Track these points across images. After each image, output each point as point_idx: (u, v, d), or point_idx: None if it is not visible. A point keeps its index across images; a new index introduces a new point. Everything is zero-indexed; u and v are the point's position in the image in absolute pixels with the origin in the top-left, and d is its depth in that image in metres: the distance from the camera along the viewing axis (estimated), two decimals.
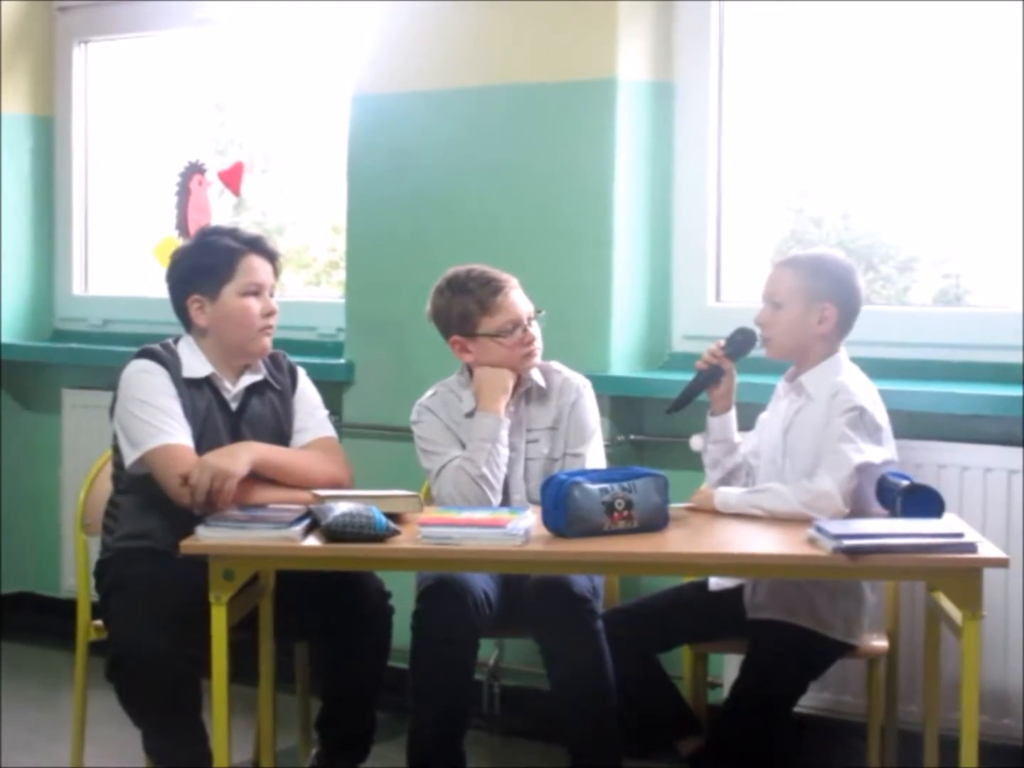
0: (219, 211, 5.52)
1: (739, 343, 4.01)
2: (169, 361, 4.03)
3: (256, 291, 4.06)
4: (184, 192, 5.17)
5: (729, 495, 3.88)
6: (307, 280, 6.21)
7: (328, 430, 4.21)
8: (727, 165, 4.82)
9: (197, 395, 4.03)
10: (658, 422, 4.65)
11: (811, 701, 4.32)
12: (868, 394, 3.90)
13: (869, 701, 4.02)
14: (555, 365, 4.21)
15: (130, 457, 3.97)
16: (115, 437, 4.08)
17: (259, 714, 4.10)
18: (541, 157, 4.83)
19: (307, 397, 4.21)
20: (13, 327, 6.11)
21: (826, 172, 4.91)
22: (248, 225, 5.93)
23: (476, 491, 3.98)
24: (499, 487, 4.03)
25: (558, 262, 4.74)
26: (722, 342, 4.01)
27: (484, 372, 4.08)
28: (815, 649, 3.87)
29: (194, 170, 5.21)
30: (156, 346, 4.08)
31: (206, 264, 4.06)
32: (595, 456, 4.12)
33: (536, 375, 4.15)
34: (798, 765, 4.14)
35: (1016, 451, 4.17)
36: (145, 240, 5.81)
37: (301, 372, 4.24)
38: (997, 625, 4.05)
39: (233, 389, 4.09)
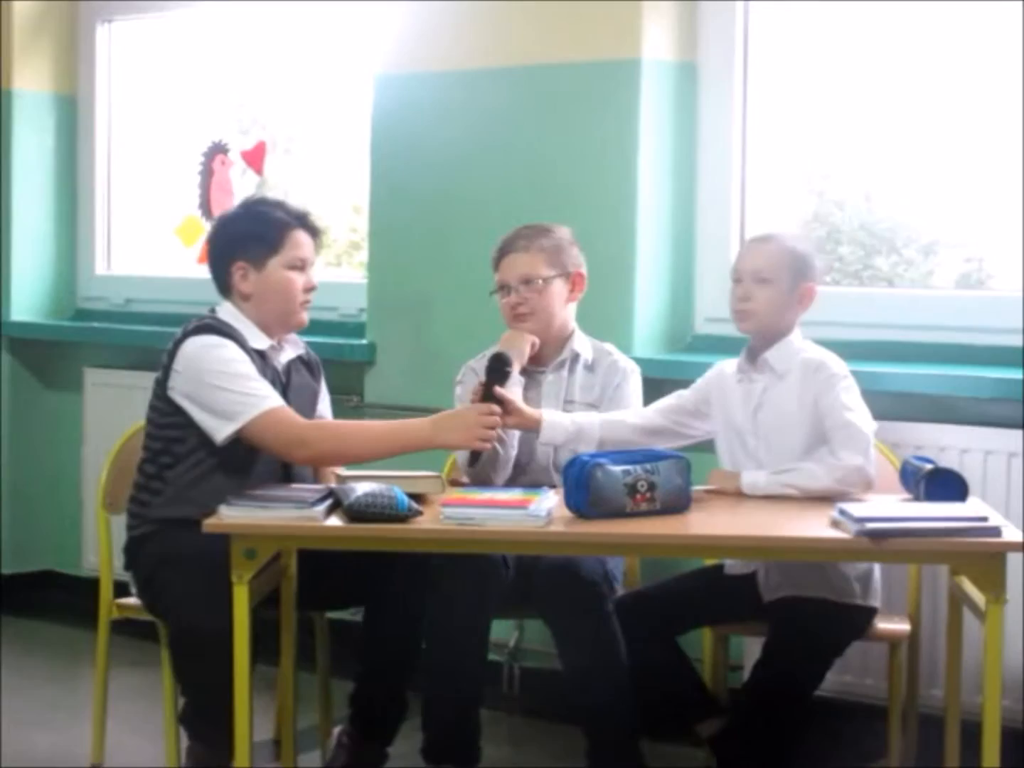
0: (241, 191, 5.52)
1: (495, 371, 3.97)
2: (231, 332, 4.01)
3: (301, 266, 4.10)
4: (207, 172, 5.19)
5: (757, 478, 3.87)
6: (327, 261, 6.21)
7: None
8: (751, 146, 4.80)
9: (263, 365, 4.04)
10: None
11: (832, 684, 4.30)
12: (841, 363, 3.94)
13: (890, 685, 4.01)
14: (608, 346, 4.25)
15: (223, 430, 3.92)
16: (163, 411, 4.05)
17: (280, 692, 4.10)
18: (564, 138, 4.83)
19: (325, 388, 4.29)
20: (35, 306, 6.13)
21: (849, 154, 4.90)
22: None
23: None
24: (512, 441, 4.06)
25: (581, 243, 4.71)
26: (479, 386, 3.97)
27: (506, 334, 4.16)
28: (839, 618, 3.86)
29: (217, 150, 5.23)
30: (208, 320, 4.05)
31: (256, 233, 4.09)
32: None
33: (584, 349, 4.20)
34: (819, 748, 4.13)
35: None
36: (168, 220, 5.82)
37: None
38: (1020, 609, 4.03)
39: (282, 360, 4.13)
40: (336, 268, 6.15)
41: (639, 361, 4.36)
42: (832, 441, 3.83)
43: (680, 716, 4.06)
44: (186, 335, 4.01)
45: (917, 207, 4.87)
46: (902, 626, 4.01)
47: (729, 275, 4.04)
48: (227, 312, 4.10)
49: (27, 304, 6.09)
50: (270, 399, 3.93)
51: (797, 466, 3.85)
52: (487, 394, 3.91)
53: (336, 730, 4.20)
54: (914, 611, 4.07)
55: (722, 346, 4.67)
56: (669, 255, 4.80)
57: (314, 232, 4.16)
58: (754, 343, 4.02)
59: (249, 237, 4.09)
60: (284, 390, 4.08)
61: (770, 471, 3.87)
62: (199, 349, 3.97)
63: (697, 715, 4.02)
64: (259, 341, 4.06)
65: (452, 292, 4.96)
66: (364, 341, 5.22)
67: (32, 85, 6.09)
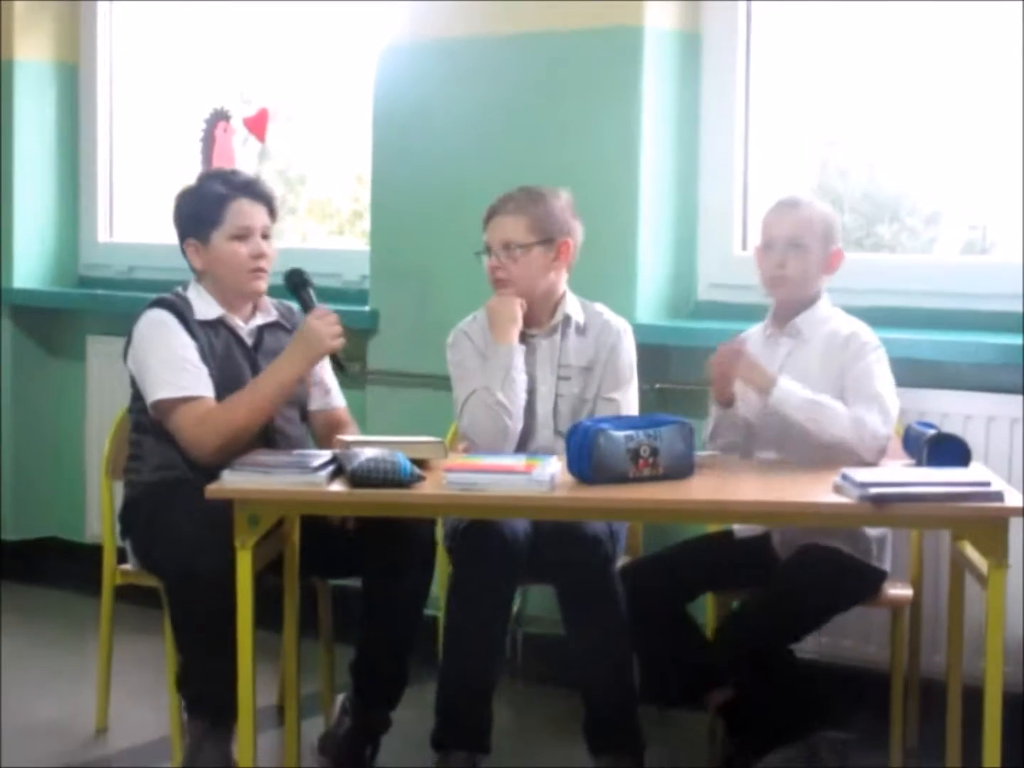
0: (243, 159, 5.51)
1: (297, 284, 4.14)
2: (182, 307, 4.12)
3: (244, 235, 4.14)
4: (209, 139, 5.17)
5: (791, 395, 3.83)
6: (330, 230, 6.21)
7: (344, 400, 4.35)
8: (754, 115, 4.79)
9: (213, 335, 4.12)
10: (683, 371, 4.65)
11: (834, 650, 4.34)
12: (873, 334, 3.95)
13: (892, 650, 4.02)
14: (598, 307, 4.23)
15: (147, 400, 4.07)
16: (132, 382, 4.17)
17: (283, 659, 4.11)
18: (567, 105, 4.82)
19: (325, 359, 4.28)
20: (38, 274, 6.13)
21: (852, 123, 4.89)
22: (271, 175, 5.94)
23: (493, 417, 4.00)
24: (517, 413, 4.04)
25: (584, 211, 4.68)
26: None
27: (493, 303, 4.13)
28: (854, 573, 3.86)
29: (219, 117, 5.20)
30: (168, 296, 4.17)
31: (197, 210, 4.18)
32: (629, 402, 4.13)
33: (575, 311, 4.17)
34: (821, 714, 4.14)
35: None
36: (170, 187, 5.80)
37: None
38: (1021, 575, 4.03)
39: (246, 327, 4.18)
40: (339, 236, 6.15)
41: (642, 328, 4.36)
42: (857, 406, 3.82)
43: (690, 685, 4.04)
44: (144, 310, 4.14)
45: (921, 176, 4.86)
46: (904, 592, 4.01)
47: (761, 241, 4.03)
48: (192, 288, 4.20)
49: (30, 272, 6.09)
50: (186, 388, 4.01)
51: (829, 402, 3.82)
52: (307, 304, 4.10)
53: (339, 697, 4.21)
54: (916, 577, 4.07)
55: (725, 312, 4.68)
56: (672, 222, 4.80)
57: (263, 198, 4.19)
58: (780, 307, 4.02)
59: (192, 215, 4.19)
60: (251, 353, 4.15)
61: (806, 395, 3.83)
62: (147, 324, 4.11)
63: (707, 684, 4.02)
64: (211, 311, 4.14)
65: (454, 260, 4.94)
66: (367, 308, 5.22)
67: (34, 54, 6.07)
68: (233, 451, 3.86)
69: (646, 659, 3.99)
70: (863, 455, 3.77)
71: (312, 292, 4.15)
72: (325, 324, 4.04)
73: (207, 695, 3.86)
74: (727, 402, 3.97)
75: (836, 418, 3.80)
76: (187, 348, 4.05)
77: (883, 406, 3.83)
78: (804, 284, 3.98)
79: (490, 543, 3.85)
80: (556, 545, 3.89)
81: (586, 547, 3.86)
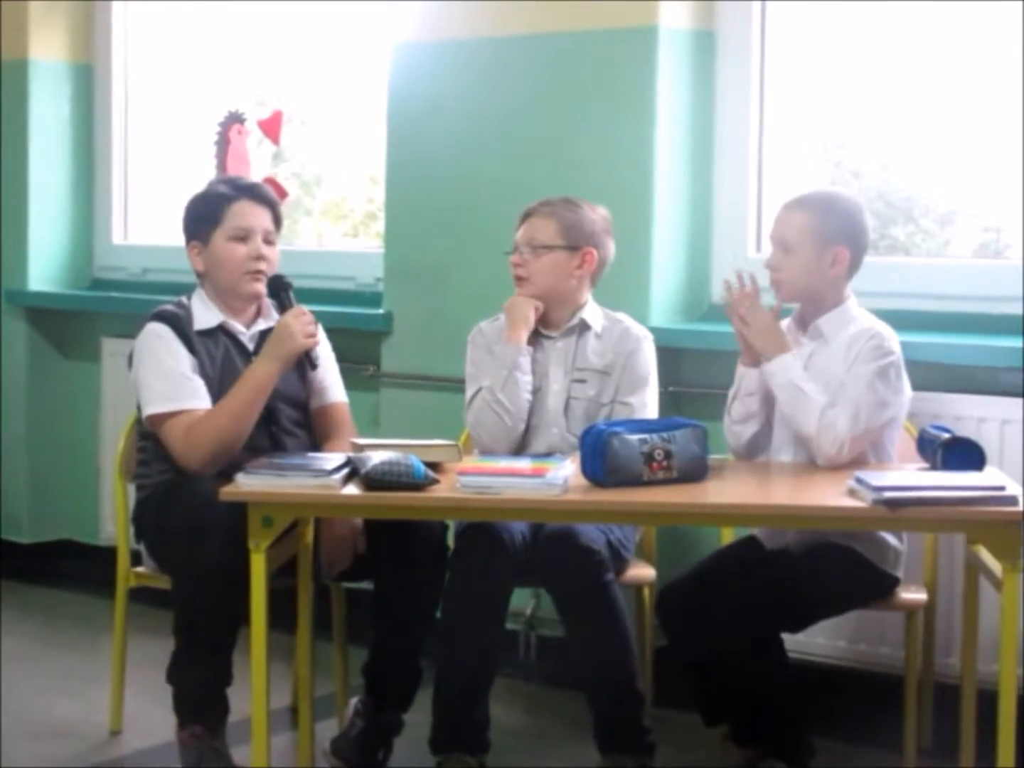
0: (258, 161, 5.51)
1: (277, 288, 4.18)
2: (181, 318, 4.13)
3: (243, 236, 4.14)
4: (223, 141, 5.17)
5: (784, 372, 3.84)
6: (344, 232, 6.22)
7: (345, 396, 4.32)
8: (768, 115, 4.79)
9: (211, 344, 4.13)
10: (697, 373, 4.65)
11: (848, 653, 4.33)
12: (896, 341, 3.91)
13: (907, 654, 4.00)
14: (620, 315, 4.25)
15: (143, 415, 4.11)
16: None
17: (297, 661, 4.12)
18: (581, 106, 4.82)
19: (327, 355, 4.29)
20: (53, 276, 6.14)
21: (866, 123, 4.88)
22: (286, 176, 5.94)
23: (493, 417, 4.04)
24: (519, 413, 4.07)
25: None
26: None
27: (508, 302, 4.17)
28: (868, 574, 3.84)
29: (233, 119, 5.20)
30: (169, 306, 4.18)
31: (199, 211, 4.21)
32: (645, 406, 4.13)
33: (593, 317, 4.19)
34: (834, 717, 4.14)
35: None
36: (185, 189, 5.81)
37: (321, 331, 4.29)
38: None
39: (248, 332, 4.19)
40: (353, 238, 6.15)
41: (656, 330, 4.36)
42: (837, 407, 3.80)
43: (710, 708, 4.00)
44: (144, 322, 4.16)
45: (934, 177, 4.86)
46: (919, 595, 4.01)
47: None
48: (195, 295, 4.22)
49: (45, 274, 6.10)
50: (176, 402, 4.02)
51: (812, 396, 3.81)
52: (287, 306, 4.13)
53: (353, 700, 4.21)
54: (931, 580, 4.07)
55: None
56: (686, 224, 4.79)
57: (266, 202, 4.20)
58: (803, 309, 4.01)
59: (194, 216, 4.22)
60: (253, 358, 4.13)
61: (797, 381, 3.83)
62: (143, 338, 4.14)
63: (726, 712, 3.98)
64: (212, 319, 4.15)
65: (469, 261, 4.96)
66: (381, 311, 5.22)
67: (48, 55, 6.08)
68: (225, 457, 3.92)
69: (696, 685, 3.96)
70: (817, 456, 3.79)
71: (292, 295, 4.17)
72: (299, 323, 4.07)
73: (197, 695, 3.91)
74: (752, 360, 3.96)
75: (809, 414, 3.79)
76: (180, 360, 4.06)
77: (858, 414, 3.78)
78: (802, 286, 3.94)
79: (487, 545, 3.87)
80: (550, 553, 3.89)
81: (579, 556, 3.84)
